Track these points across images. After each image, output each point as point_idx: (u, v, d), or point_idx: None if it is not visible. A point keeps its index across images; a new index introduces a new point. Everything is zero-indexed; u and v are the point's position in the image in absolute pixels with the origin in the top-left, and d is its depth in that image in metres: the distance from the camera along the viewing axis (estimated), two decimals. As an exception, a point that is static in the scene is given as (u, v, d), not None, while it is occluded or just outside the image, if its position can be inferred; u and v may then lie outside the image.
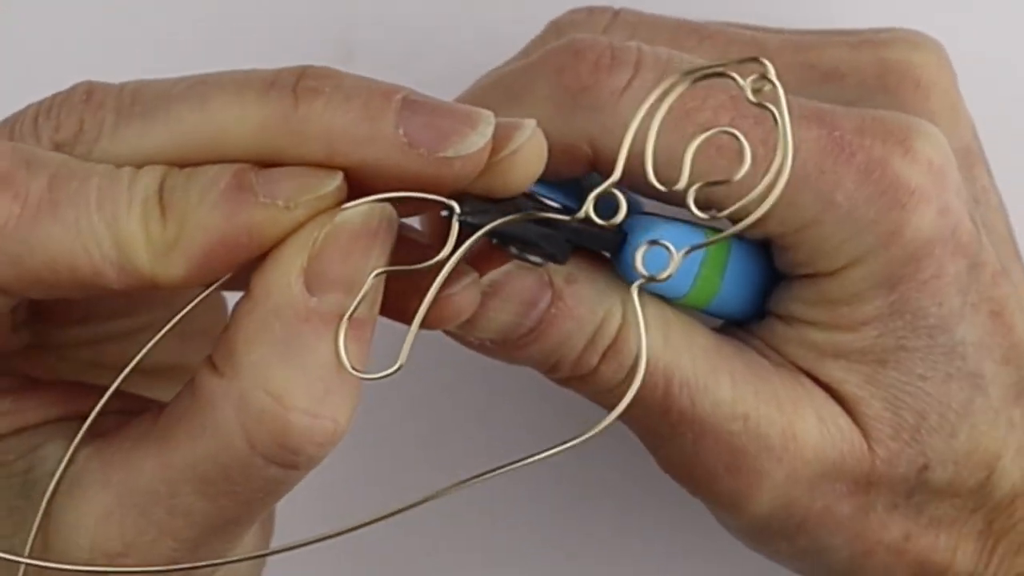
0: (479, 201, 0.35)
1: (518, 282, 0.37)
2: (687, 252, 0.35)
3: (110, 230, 0.33)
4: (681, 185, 0.35)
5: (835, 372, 0.39)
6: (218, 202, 0.33)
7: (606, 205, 0.35)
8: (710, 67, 0.34)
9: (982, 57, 0.44)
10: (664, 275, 0.35)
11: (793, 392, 0.39)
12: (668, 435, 0.39)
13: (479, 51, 0.48)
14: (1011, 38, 0.48)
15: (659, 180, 0.34)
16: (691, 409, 0.38)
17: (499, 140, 0.34)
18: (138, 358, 0.36)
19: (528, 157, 0.34)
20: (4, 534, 0.36)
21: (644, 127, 0.34)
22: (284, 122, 0.34)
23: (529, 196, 0.36)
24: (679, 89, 0.34)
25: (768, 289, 0.40)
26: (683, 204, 0.35)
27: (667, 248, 0.35)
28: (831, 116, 0.37)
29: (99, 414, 0.36)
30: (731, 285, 0.39)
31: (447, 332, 0.38)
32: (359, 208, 0.34)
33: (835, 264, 0.38)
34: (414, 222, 0.40)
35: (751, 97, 0.34)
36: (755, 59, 0.34)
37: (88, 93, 0.35)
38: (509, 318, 0.37)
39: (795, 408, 0.39)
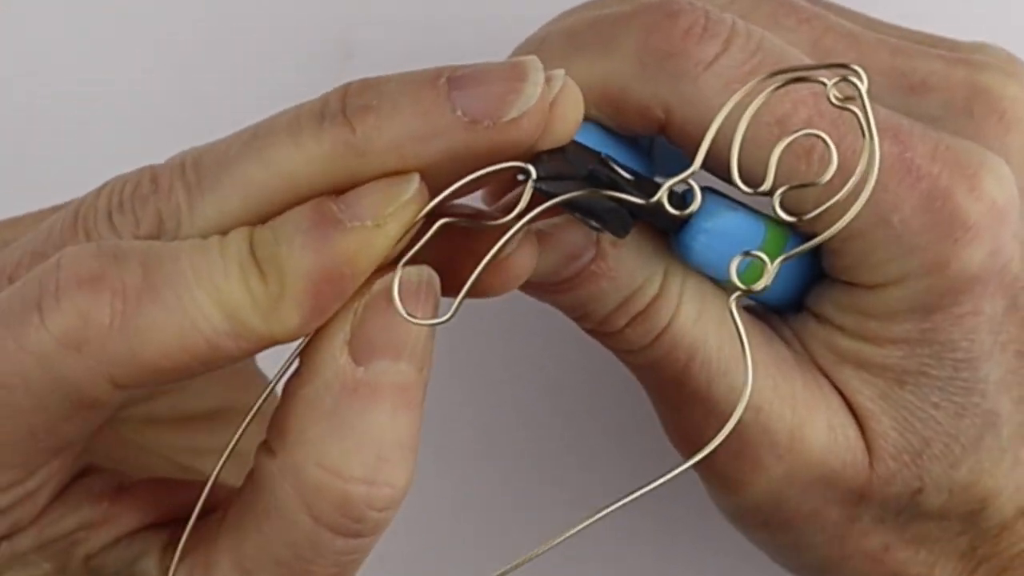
0: (553, 162, 0.34)
1: (566, 234, 0.37)
2: (783, 261, 0.35)
3: (215, 301, 0.33)
4: (766, 186, 0.34)
5: (852, 381, 0.39)
6: (307, 243, 0.33)
7: (675, 189, 0.35)
8: (801, 71, 0.34)
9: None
10: (760, 286, 0.35)
11: (811, 394, 0.39)
12: (677, 406, 0.39)
13: (479, 51, 0.48)
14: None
15: (724, 161, 0.34)
16: (706, 389, 0.38)
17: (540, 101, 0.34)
18: (232, 444, 0.35)
19: (564, 110, 0.34)
20: None
21: (727, 121, 0.34)
22: (348, 149, 0.33)
23: (602, 162, 0.36)
24: (767, 92, 0.34)
25: (810, 285, 0.40)
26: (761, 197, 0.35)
27: (761, 259, 0.35)
28: (907, 135, 0.37)
29: (172, 513, 0.36)
30: (780, 277, 0.39)
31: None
32: (398, 274, 0.34)
33: (876, 279, 0.38)
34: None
35: (836, 100, 0.33)
36: (848, 67, 0.33)
37: (154, 180, 0.35)
38: (548, 267, 0.37)
39: (808, 411, 0.39)
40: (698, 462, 0.38)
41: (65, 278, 0.33)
